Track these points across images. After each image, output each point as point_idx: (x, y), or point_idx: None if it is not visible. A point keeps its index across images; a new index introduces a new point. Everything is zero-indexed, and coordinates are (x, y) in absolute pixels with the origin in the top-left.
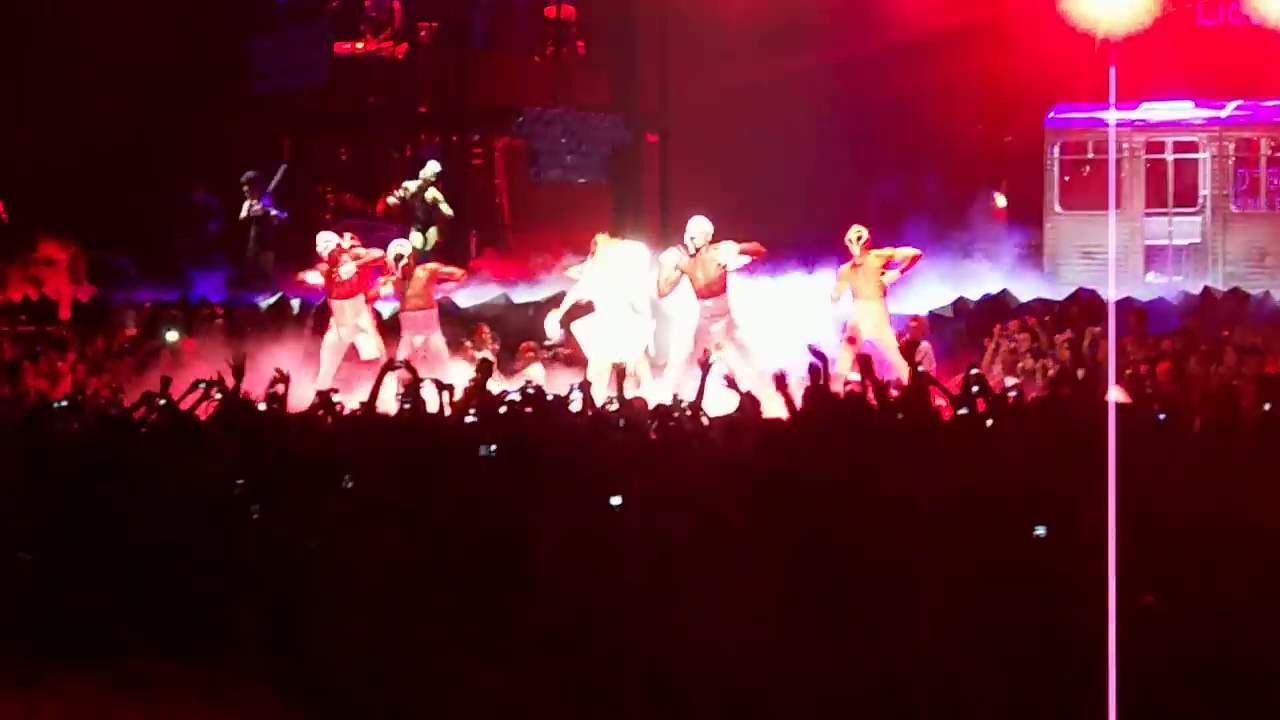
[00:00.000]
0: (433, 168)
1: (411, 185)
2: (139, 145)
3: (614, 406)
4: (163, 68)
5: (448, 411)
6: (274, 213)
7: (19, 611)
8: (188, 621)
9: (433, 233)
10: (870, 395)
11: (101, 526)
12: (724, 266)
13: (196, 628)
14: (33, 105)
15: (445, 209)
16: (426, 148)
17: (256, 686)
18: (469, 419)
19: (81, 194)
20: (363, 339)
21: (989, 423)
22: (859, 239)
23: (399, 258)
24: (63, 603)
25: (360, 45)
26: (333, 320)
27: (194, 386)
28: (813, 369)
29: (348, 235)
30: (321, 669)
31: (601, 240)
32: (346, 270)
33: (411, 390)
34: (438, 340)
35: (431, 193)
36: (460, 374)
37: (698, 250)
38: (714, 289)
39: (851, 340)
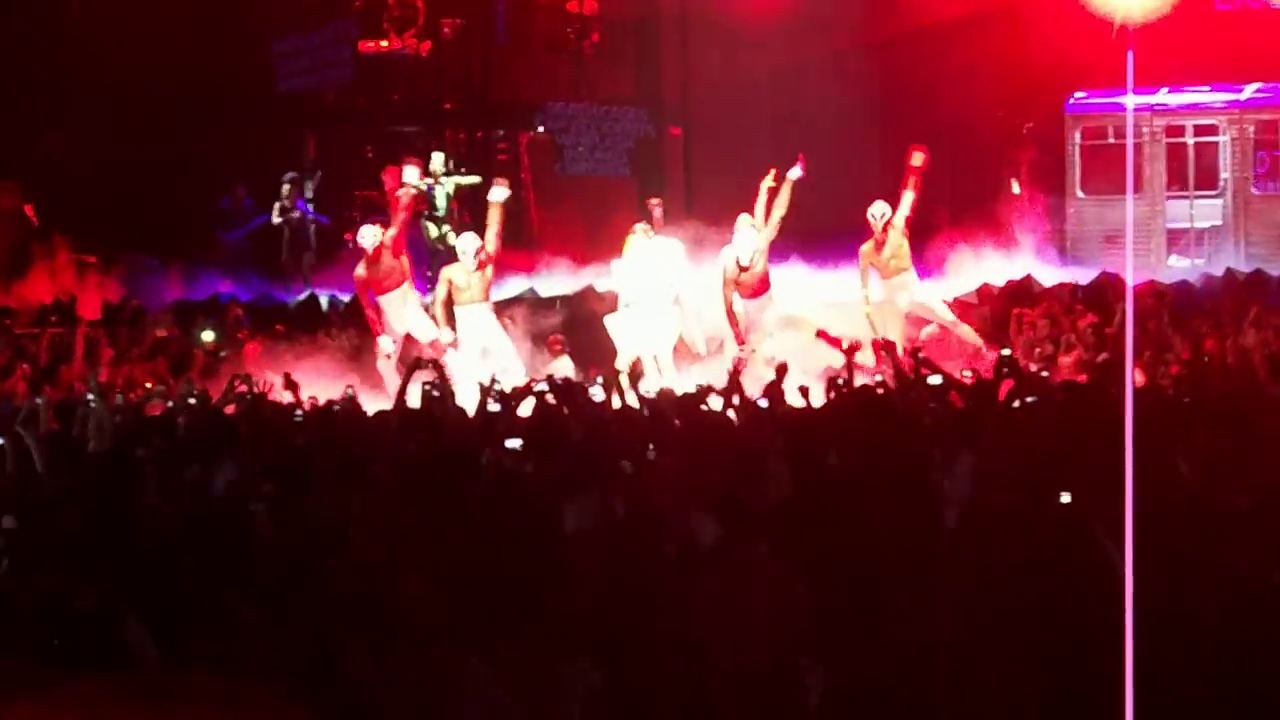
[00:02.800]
0: (438, 159)
1: (419, 183)
2: (165, 146)
3: (630, 400)
4: (188, 69)
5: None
6: (311, 216)
7: (32, 617)
8: (198, 625)
9: (448, 228)
10: (890, 379)
11: (120, 527)
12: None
13: (208, 631)
14: (60, 108)
15: (470, 181)
16: (451, 144)
17: (269, 694)
18: (492, 408)
19: (109, 196)
20: (416, 325)
21: (1015, 404)
22: (881, 215)
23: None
24: (75, 607)
25: (384, 43)
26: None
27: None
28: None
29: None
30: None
31: (636, 233)
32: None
33: (439, 385)
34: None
35: (449, 183)
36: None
37: (749, 265)
38: (759, 289)
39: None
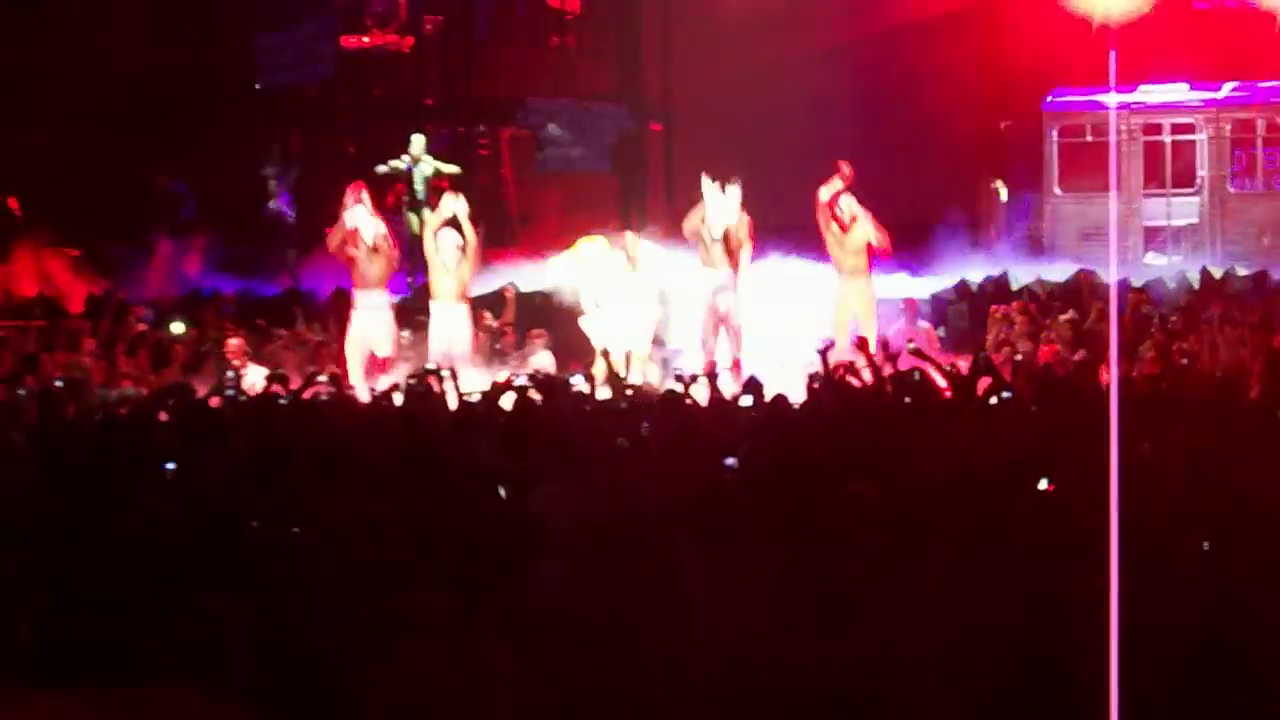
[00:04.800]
0: (419, 142)
1: (399, 163)
2: (146, 140)
3: (608, 393)
4: (171, 63)
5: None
6: (286, 211)
7: (7, 633)
8: (174, 634)
9: (427, 213)
10: (865, 377)
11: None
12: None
13: (182, 640)
14: (42, 101)
15: (451, 169)
16: (433, 139)
17: (243, 714)
18: (472, 401)
19: (91, 189)
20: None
21: (992, 401)
22: (848, 174)
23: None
24: (53, 621)
25: (366, 39)
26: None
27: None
28: (823, 356)
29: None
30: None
31: (582, 242)
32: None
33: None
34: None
35: (428, 165)
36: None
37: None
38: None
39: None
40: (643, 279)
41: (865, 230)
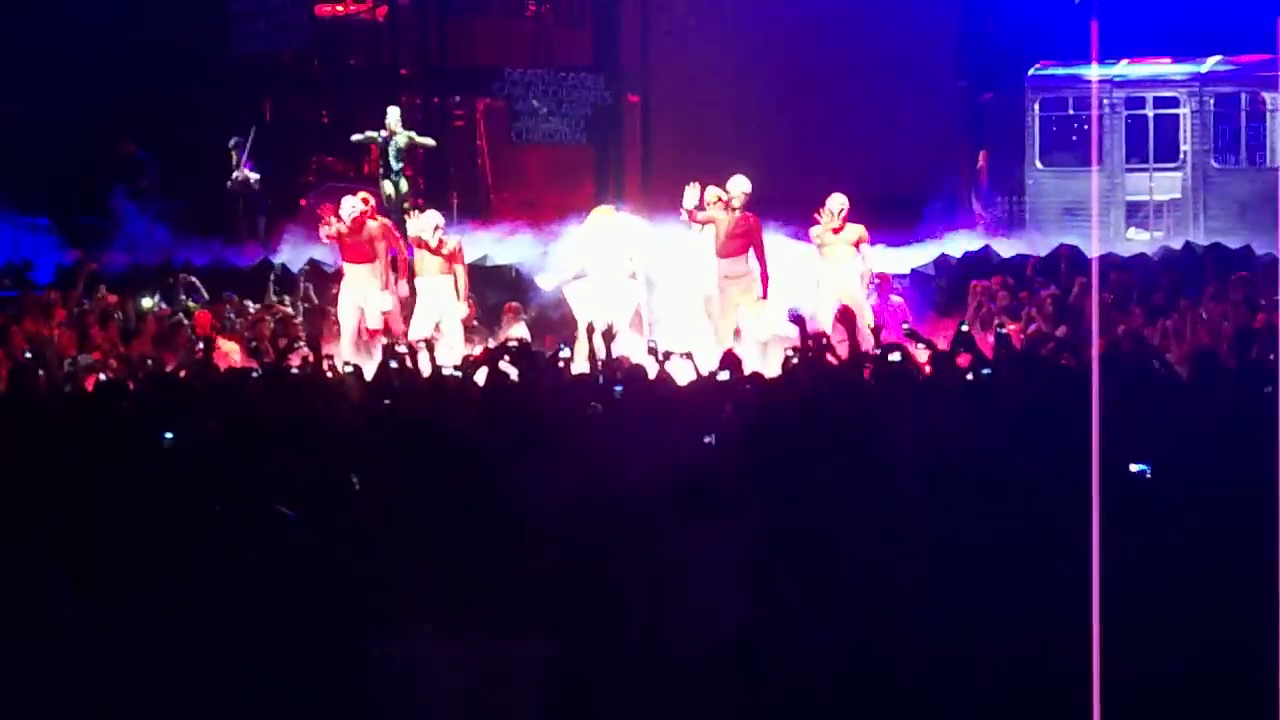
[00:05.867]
0: (394, 114)
1: (375, 134)
2: (119, 109)
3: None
4: (143, 30)
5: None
6: (253, 176)
7: None
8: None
9: (404, 183)
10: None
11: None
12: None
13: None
14: (10, 69)
15: (426, 141)
16: (408, 109)
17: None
18: (450, 373)
19: (63, 158)
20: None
21: (969, 377)
22: (840, 211)
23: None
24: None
25: (341, 8)
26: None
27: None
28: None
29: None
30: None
31: (601, 211)
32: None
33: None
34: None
35: (402, 136)
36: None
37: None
38: (737, 248)
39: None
40: (628, 252)
41: (857, 231)
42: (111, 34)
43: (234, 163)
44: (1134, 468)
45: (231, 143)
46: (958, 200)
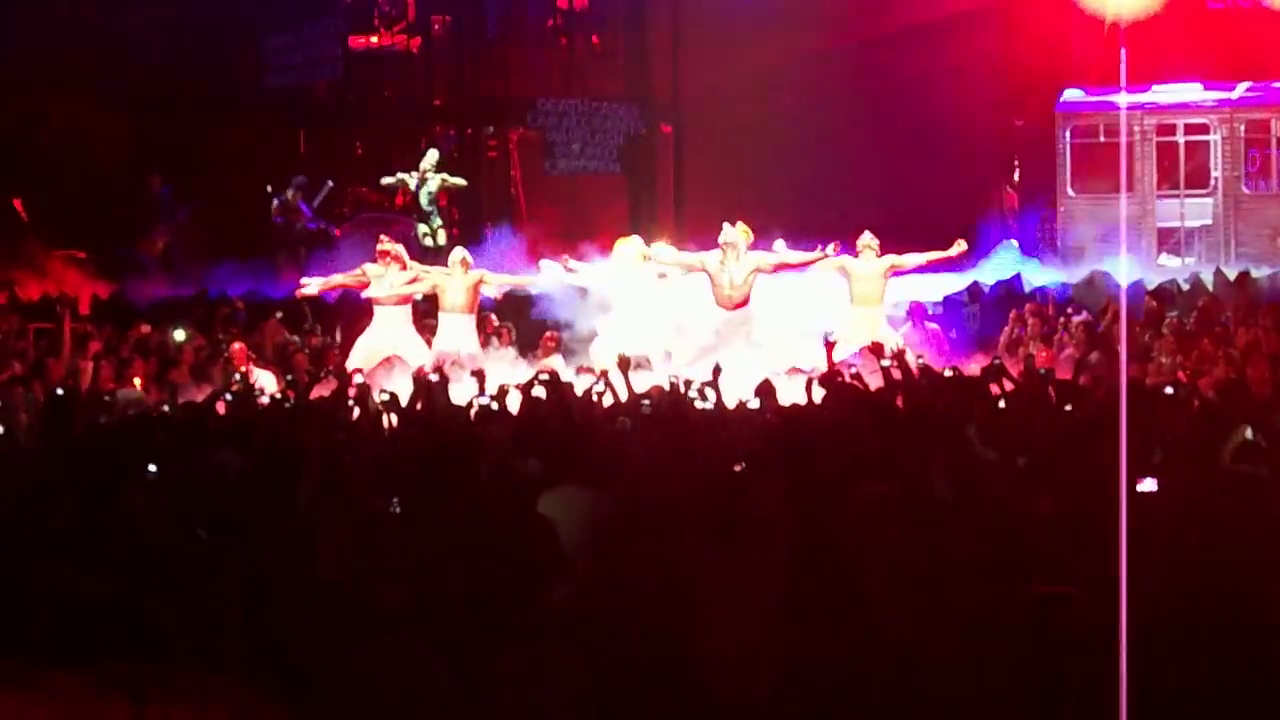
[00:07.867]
0: (432, 157)
1: (408, 177)
2: (155, 143)
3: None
4: (178, 65)
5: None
6: (313, 224)
7: (10, 613)
8: (177, 621)
9: (441, 235)
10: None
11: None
12: (758, 270)
13: (186, 627)
14: (50, 105)
15: (457, 181)
16: (441, 140)
17: (246, 689)
18: (483, 403)
19: (100, 191)
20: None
21: (1001, 405)
22: (869, 247)
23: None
24: (57, 602)
25: (374, 39)
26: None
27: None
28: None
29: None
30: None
31: (628, 241)
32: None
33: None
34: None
35: (434, 180)
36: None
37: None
38: (738, 301)
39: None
40: (658, 284)
41: (888, 260)
42: (147, 69)
43: (287, 197)
44: (1141, 486)
45: (296, 180)
46: (990, 228)
